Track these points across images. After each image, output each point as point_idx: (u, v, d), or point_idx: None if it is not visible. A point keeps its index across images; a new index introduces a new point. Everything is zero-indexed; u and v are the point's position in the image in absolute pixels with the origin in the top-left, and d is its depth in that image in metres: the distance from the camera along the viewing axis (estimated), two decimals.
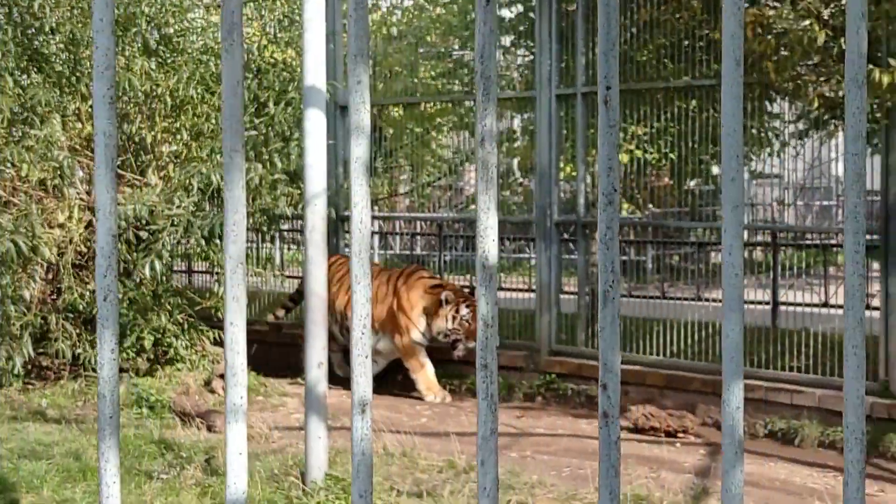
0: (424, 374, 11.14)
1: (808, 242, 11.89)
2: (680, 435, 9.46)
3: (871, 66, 8.62)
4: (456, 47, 12.80)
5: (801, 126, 11.59)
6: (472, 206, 13.43)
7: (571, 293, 11.62)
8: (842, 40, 9.25)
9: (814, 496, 7.78)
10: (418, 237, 14.17)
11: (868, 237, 10.92)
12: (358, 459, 1.98)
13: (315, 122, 7.32)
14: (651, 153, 11.63)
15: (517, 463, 8.34)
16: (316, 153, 7.33)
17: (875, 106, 8.85)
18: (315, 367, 7.24)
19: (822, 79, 9.06)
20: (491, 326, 1.91)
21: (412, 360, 11.17)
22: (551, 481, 7.74)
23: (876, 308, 9.58)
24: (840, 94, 9.24)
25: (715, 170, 13.50)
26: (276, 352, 12.28)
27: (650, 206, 12.84)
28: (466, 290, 11.35)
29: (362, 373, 2.03)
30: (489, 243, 1.89)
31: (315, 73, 7.28)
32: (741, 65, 1.66)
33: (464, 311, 10.88)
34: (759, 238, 12.40)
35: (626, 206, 13.10)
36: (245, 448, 1.85)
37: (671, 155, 11.39)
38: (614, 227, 1.69)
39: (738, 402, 1.66)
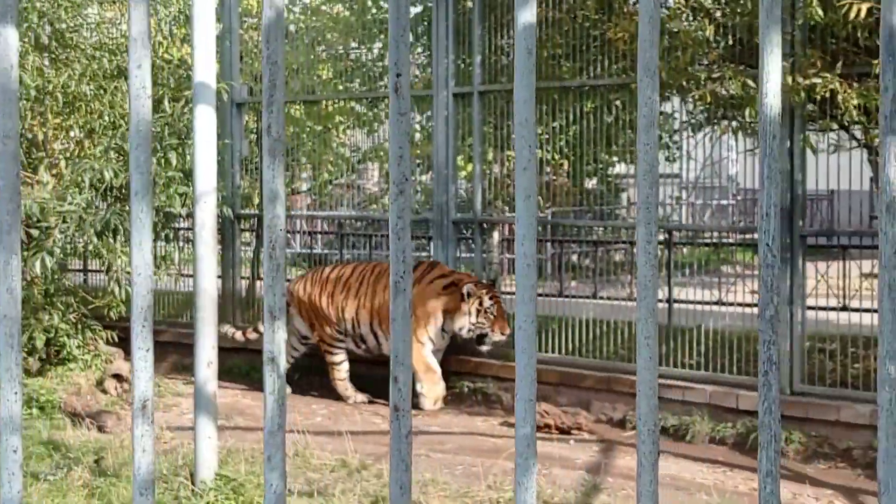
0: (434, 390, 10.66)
1: (706, 241, 12.04)
2: (574, 432, 9.53)
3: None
4: (354, 45, 12.74)
5: (693, 124, 11.69)
6: (373, 206, 13.40)
7: None
8: (728, 37, 9.40)
9: (702, 491, 7.89)
10: (319, 235, 14.10)
11: (751, 236, 11.11)
12: (139, 456, 1.94)
13: (204, 119, 7.26)
14: (549, 152, 11.69)
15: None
16: (205, 150, 7.28)
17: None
18: (204, 366, 7.18)
19: (713, 76, 9.17)
20: (278, 319, 1.88)
21: (418, 370, 10.58)
22: (444, 479, 7.75)
23: (754, 305, 9.75)
24: (731, 91, 9.39)
25: (615, 169, 13.62)
26: (171, 351, 12.15)
27: (549, 204, 12.91)
28: (486, 282, 10.73)
29: (143, 368, 2.00)
30: (277, 233, 1.87)
31: (204, 70, 7.23)
32: (533, 54, 1.66)
33: (487, 302, 10.34)
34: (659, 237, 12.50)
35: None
36: (20, 446, 1.80)
37: (570, 155, 11.48)
38: (405, 217, 1.67)
39: (530, 395, 1.65)
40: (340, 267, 11.32)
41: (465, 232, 11.63)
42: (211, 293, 7.37)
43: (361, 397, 11.00)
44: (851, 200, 12.65)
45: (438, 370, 10.65)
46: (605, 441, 9.37)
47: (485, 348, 10.56)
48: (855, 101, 8.46)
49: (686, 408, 9.55)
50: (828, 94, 8.57)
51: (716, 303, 10.73)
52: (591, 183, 12.44)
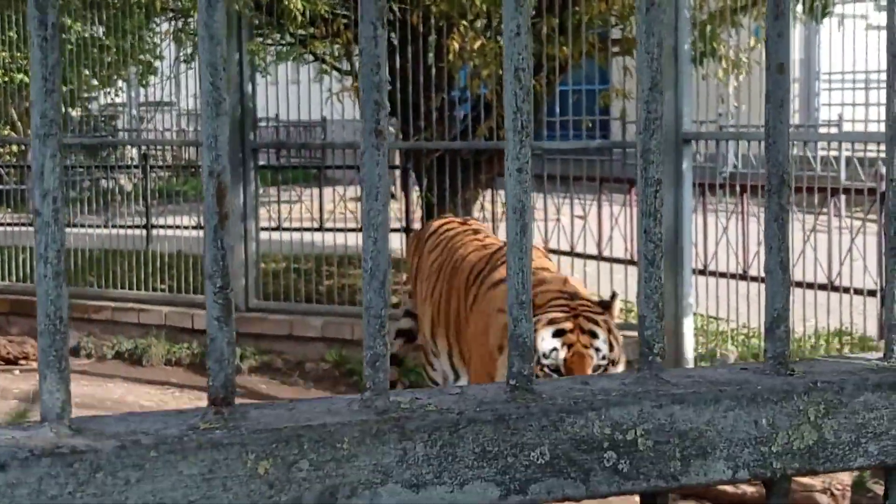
0: None
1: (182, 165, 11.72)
2: (22, 361, 8.97)
3: None
4: None
5: (188, 49, 11.27)
6: None
7: None
8: None
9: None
10: None
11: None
12: None
13: None
14: (16, 75, 11.02)
15: None
16: None
17: None
18: None
19: None
20: None
21: None
22: None
23: None
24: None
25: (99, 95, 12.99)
26: None
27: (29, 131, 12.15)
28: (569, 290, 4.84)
29: None
30: None
31: None
32: None
33: (549, 340, 4.47)
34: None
35: (6, 130, 12.33)
36: None
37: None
38: None
39: None
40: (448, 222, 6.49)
41: None
42: None
43: None
44: (345, 124, 12.71)
45: None
46: None
47: None
48: (300, 6, 8.25)
49: (143, 330, 9.18)
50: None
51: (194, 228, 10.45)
52: (74, 110, 11.77)
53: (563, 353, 4.36)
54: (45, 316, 0.81)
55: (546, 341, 4.42)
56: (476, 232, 6.08)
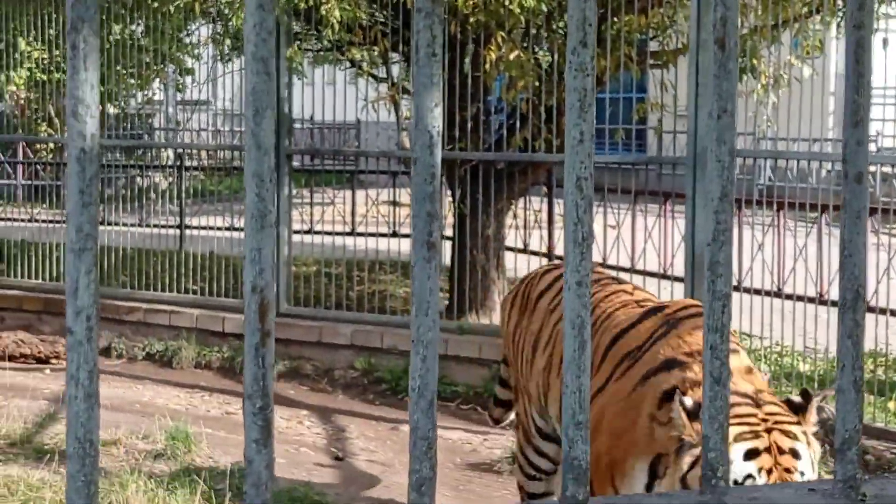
0: None
1: (219, 166, 11.68)
2: (53, 361, 8.98)
3: None
4: None
5: (225, 50, 11.28)
6: None
7: None
8: None
9: (171, 416, 7.50)
10: None
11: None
12: None
13: None
14: (54, 73, 11.03)
15: None
16: None
17: None
18: None
19: None
20: None
21: None
22: None
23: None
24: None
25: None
26: None
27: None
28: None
29: None
30: None
31: None
32: None
33: (741, 463, 3.49)
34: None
35: (43, 127, 12.37)
36: None
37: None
38: None
39: None
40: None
41: None
42: None
43: None
44: (380, 130, 12.71)
45: None
46: None
47: None
48: (337, 15, 8.22)
49: (173, 332, 9.18)
50: (311, 4, 8.29)
51: (228, 228, 10.41)
52: (111, 107, 11.78)
53: (761, 482, 3.43)
54: (74, 439, 0.77)
55: (737, 465, 3.46)
56: (613, 283, 4.87)
